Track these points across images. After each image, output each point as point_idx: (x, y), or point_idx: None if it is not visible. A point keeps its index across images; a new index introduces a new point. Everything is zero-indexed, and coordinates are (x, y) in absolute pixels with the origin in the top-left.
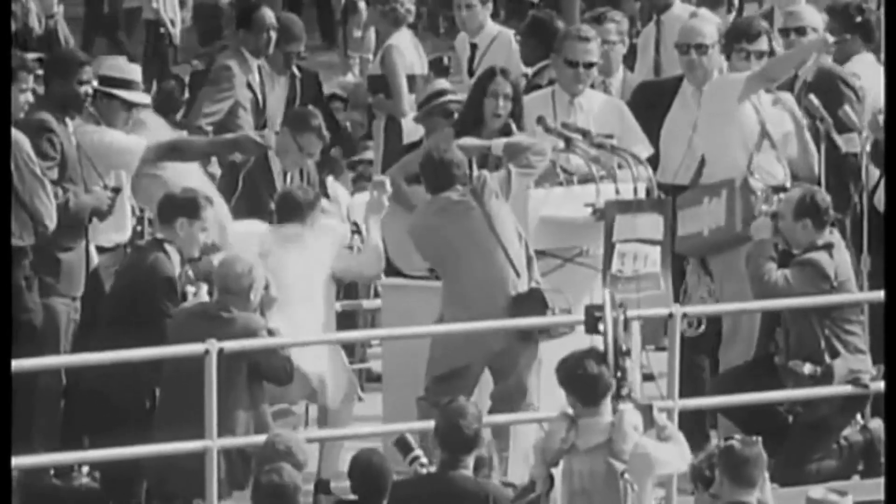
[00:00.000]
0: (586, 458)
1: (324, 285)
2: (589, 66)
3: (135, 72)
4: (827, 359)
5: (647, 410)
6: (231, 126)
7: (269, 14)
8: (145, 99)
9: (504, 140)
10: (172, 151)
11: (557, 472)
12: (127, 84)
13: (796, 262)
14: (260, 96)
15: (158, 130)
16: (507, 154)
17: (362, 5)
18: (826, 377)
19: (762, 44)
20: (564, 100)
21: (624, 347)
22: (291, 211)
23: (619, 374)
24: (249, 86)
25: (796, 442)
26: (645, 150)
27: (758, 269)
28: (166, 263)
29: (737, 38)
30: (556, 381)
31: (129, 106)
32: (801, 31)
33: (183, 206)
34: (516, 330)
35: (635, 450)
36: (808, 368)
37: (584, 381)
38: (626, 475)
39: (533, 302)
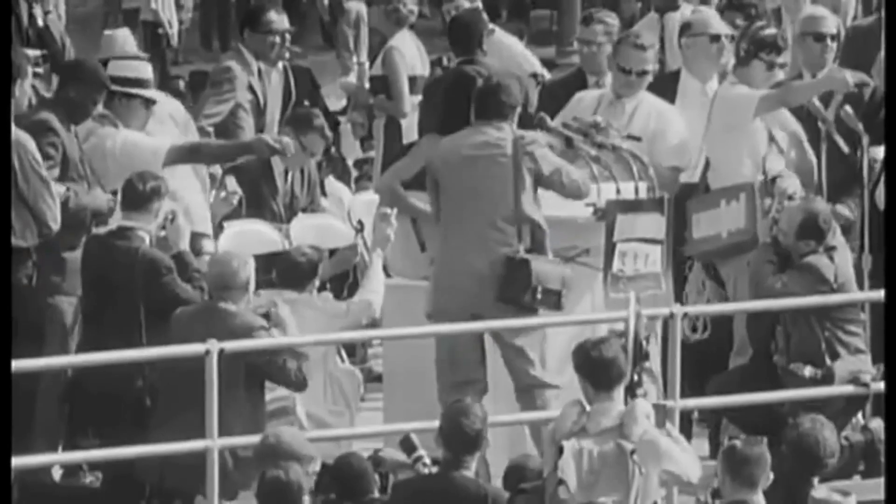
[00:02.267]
0: (596, 439)
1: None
2: (642, 73)
3: (147, 69)
4: (827, 361)
5: (660, 409)
6: (231, 127)
7: (275, 17)
8: (158, 96)
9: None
10: (190, 154)
11: (566, 452)
12: (143, 83)
13: (795, 266)
14: (261, 97)
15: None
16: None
17: (350, 5)
18: (826, 379)
19: (786, 56)
20: (608, 100)
21: (644, 351)
22: (291, 279)
23: (636, 376)
24: (251, 87)
25: None
26: (677, 160)
27: (755, 273)
28: (156, 252)
29: (764, 49)
30: (572, 366)
31: (148, 104)
32: (819, 38)
33: (156, 190)
34: (500, 295)
35: (643, 436)
36: (808, 371)
37: (599, 364)
38: (636, 456)
39: (519, 272)
